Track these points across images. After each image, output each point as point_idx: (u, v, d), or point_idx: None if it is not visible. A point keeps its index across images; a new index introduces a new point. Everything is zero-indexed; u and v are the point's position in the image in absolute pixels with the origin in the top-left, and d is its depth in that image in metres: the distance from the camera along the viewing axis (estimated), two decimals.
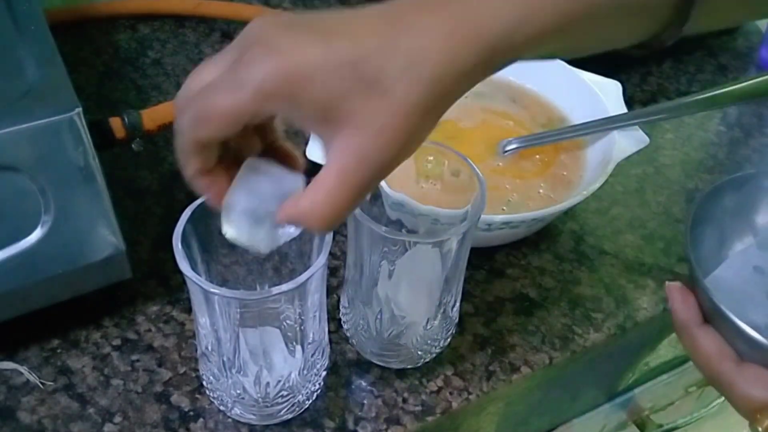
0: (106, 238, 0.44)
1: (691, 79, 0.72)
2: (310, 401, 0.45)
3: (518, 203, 0.54)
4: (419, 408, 0.46)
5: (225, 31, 0.71)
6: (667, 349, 0.66)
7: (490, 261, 0.55)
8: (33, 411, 0.44)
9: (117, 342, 0.48)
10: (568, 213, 0.58)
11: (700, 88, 0.71)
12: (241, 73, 0.30)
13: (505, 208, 0.54)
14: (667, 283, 0.45)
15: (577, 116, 0.59)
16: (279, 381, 0.41)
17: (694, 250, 0.44)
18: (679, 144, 0.66)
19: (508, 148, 0.57)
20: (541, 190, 0.55)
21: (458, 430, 0.56)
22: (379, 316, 0.44)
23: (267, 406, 0.43)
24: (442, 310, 0.44)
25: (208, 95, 0.31)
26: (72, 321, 0.48)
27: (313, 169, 0.58)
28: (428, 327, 0.44)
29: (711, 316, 0.42)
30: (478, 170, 0.41)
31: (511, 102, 0.62)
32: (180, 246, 0.37)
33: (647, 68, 0.72)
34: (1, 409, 0.44)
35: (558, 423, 0.64)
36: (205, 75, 0.32)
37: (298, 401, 0.43)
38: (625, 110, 0.57)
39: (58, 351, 0.47)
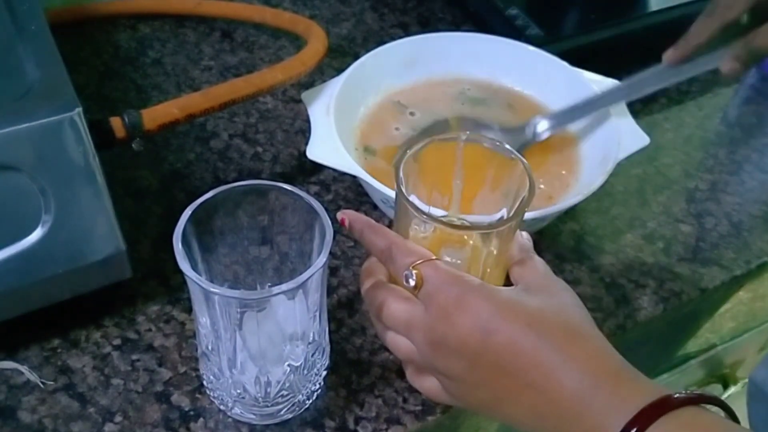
0: (106, 237, 0.44)
1: (692, 78, 0.72)
2: (311, 401, 0.45)
3: None
4: (420, 407, 0.46)
5: (225, 31, 0.71)
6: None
7: None
8: (33, 410, 0.44)
9: (117, 342, 0.48)
10: (568, 213, 0.58)
11: (700, 88, 0.71)
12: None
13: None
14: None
15: None
16: (279, 380, 0.41)
17: None
18: (679, 144, 0.66)
19: (540, 130, 0.57)
20: (542, 185, 0.55)
21: (459, 430, 0.56)
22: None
23: (267, 406, 0.43)
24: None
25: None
26: (72, 321, 0.48)
27: (313, 168, 0.58)
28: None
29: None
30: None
31: (508, 108, 0.61)
32: (180, 246, 0.37)
33: (647, 68, 0.72)
34: (2, 408, 0.44)
35: None
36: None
37: (299, 401, 0.44)
38: (625, 110, 0.57)
39: (59, 350, 0.47)
